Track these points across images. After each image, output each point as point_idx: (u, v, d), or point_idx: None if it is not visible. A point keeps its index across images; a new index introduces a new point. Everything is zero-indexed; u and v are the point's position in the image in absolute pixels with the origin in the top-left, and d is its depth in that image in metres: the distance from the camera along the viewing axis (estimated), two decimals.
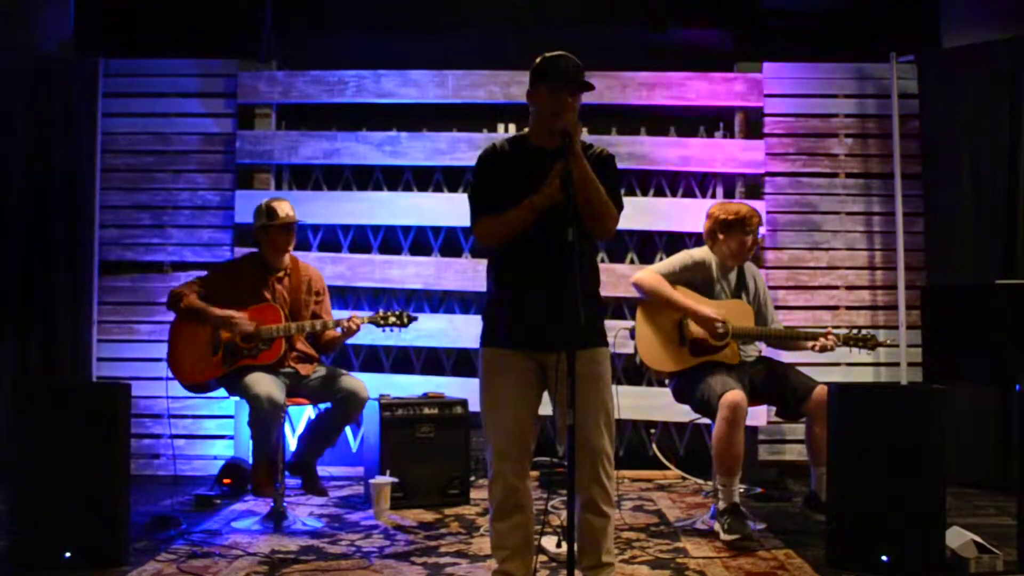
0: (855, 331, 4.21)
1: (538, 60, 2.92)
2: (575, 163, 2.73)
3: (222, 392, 4.35)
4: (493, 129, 5.79)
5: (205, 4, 5.77)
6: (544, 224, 2.81)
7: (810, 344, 4.18)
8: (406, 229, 5.78)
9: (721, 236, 4.19)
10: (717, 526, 3.93)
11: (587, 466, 2.85)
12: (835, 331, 4.18)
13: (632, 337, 4.19)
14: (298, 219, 4.43)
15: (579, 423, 2.77)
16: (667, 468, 5.44)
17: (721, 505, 3.94)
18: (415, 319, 4.45)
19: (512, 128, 5.74)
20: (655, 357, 4.13)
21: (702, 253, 4.25)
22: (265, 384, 4.08)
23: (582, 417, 2.79)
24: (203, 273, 4.56)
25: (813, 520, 4.12)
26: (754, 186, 5.70)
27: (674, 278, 4.16)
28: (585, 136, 2.98)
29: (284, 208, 4.37)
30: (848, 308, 5.69)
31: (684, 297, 4.10)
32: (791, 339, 4.26)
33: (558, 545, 3.61)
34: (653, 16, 5.69)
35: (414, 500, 4.60)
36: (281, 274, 4.43)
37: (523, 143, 2.99)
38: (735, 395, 3.86)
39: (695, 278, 4.19)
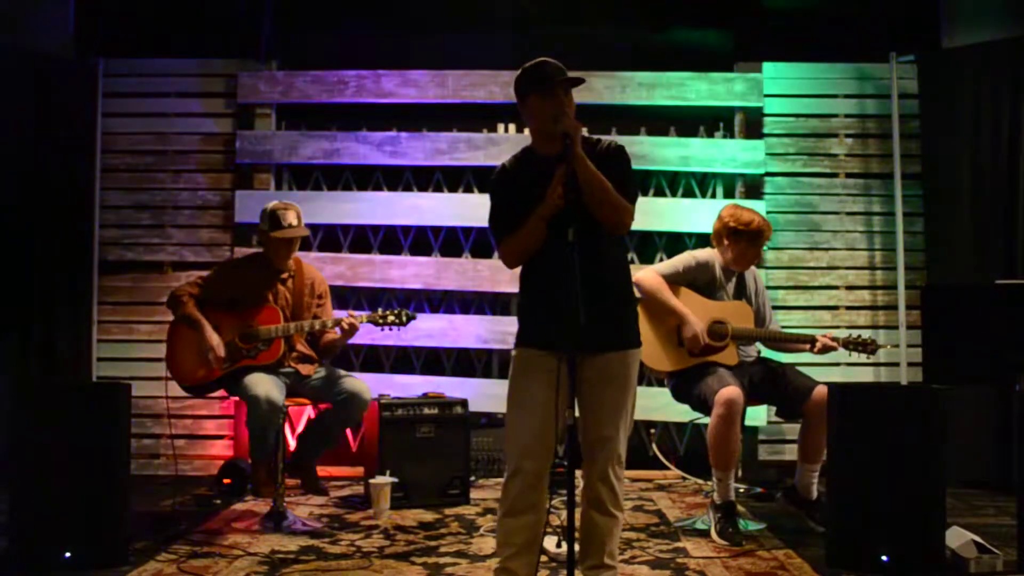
0: (856, 335, 4.21)
1: (519, 72, 2.92)
2: (578, 165, 2.73)
3: (222, 392, 4.35)
4: (493, 129, 5.78)
5: (205, 4, 5.76)
6: (559, 227, 2.80)
7: (809, 347, 4.18)
8: (406, 229, 5.78)
9: (726, 242, 4.19)
10: (711, 519, 3.95)
11: (598, 465, 2.86)
12: (835, 335, 4.19)
13: None
14: (303, 233, 4.39)
15: (597, 422, 2.84)
16: (667, 468, 5.44)
17: (716, 499, 3.96)
18: (414, 318, 4.44)
19: (512, 128, 5.74)
20: (654, 356, 4.13)
21: (706, 255, 4.25)
22: (264, 385, 4.08)
23: (602, 416, 2.84)
24: (206, 272, 4.55)
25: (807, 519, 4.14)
26: (754, 186, 5.70)
27: (676, 278, 4.16)
28: (587, 134, 2.97)
29: (289, 217, 4.32)
30: (848, 308, 5.69)
31: (680, 304, 4.09)
32: (790, 342, 4.26)
33: (558, 545, 3.61)
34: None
35: (414, 500, 4.60)
36: (285, 276, 4.43)
37: (529, 155, 2.99)
38: (731, 391, 3.86)
39: (697, 279, 4.19)
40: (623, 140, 5.61)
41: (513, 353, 2.98)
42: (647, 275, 4.16)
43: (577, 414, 2.98)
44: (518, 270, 3.02)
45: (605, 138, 3.03)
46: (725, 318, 4.11)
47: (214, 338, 4.20)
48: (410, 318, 4.40)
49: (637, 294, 4.19)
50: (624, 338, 2.95)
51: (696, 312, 4.08)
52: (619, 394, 2.90)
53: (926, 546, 3.38)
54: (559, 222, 2.75)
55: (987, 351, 3.51)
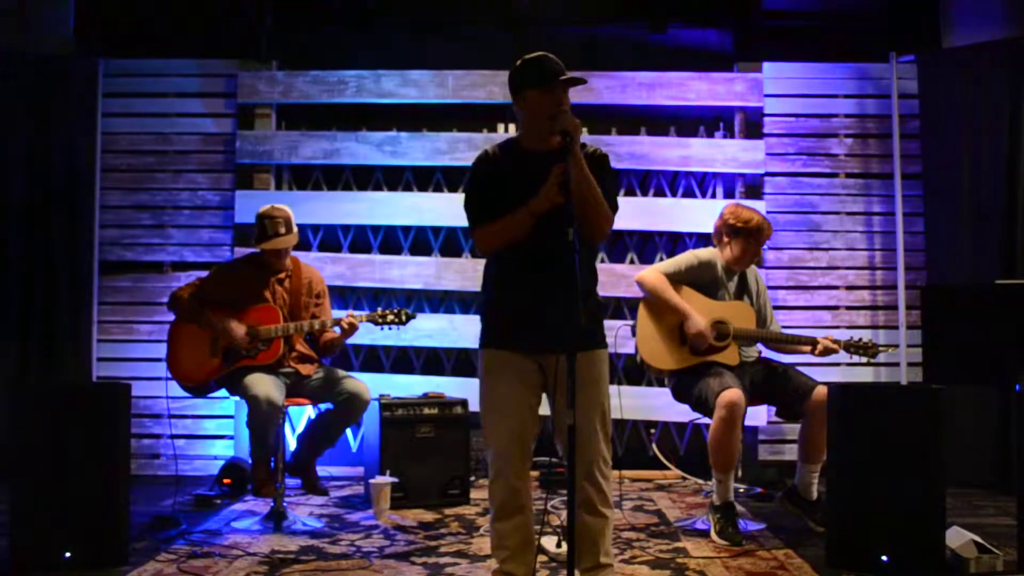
0: (857, 339, 4.22)
1: (518, 64, 2.89)
2: (575, 164, 2.72)
3: (222, 392, 4.35)
4: (493, 129, 5.79)
5: (205, 4, 5.76)
6: (541, 225, 2.80)
7: (810, 349, 4.18)
8: (406, 229, 5.78)
9: (726, 240, 4.20)
10: (711, 520, 3.95)
11: (583, 466, 2.85)
12: (836, 338, 4.19)
13: (633, 335, 4.20)
14: (290, 243, 4.37)
15: (578, 424, 2.79)
16: (667, 468, 5.44)
17: (716, 501, 3.96)
18: (414, 317, 4.44)
19: (512, 128, 5.74)
20: (655, 355, 4.13)
21: (708, 254, 4.26)
22: (264, 385, 4.07)
23: (581, 417, 2.80)
24: (204, 273, 4.56)
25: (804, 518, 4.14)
26: (754, 186, 5.70)
27: (678, 278, 4.16)
28: (584, 136, 2.96)
29: (277, 226, 4.29)
30: (848, 308, 5.69)
31: (683, 302, 4.10)
32: (791, 343, 4.26)
33: (558, 545, 3.61)
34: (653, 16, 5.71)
35: (414, 500, 4.60)
36: (282, 275, 4.43)
37: (516, 147, 2.96)
38: (732, 394, 3.86)
39: (699, 278, 4.19)
40: (623, 140, 5.67)
41: (482, 354, 2.97)
42: (650, 274, 4.17)
43: (550, 413, 2.99)
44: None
45: (591, 144, 3.00)
46: (727, 318, 4.11)
47: (227, 321, 4.19)
48: (409, 317, 4.41)
49: (636, 294, 4.21)
50: (594, 338, 2.93)
51: (699, 311, 4.08)
52: (594, 394, 2.88)
53: (926, 546, 3.38)
54: (544, 221, 2.75)
55: (987, 351, 3.51)
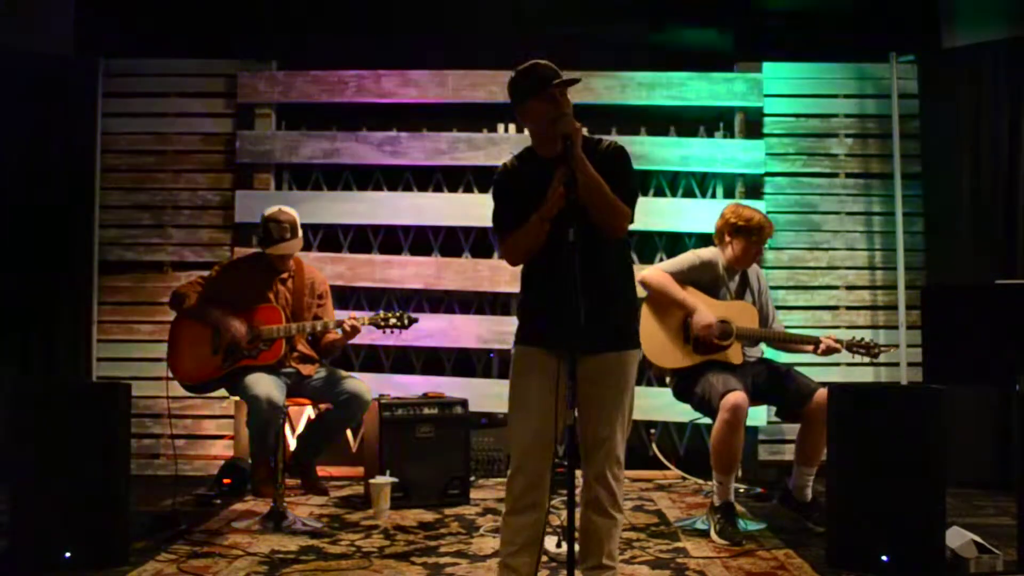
0: (860, 338, 4.22)
1: (512, 77, 2.92)
2: (577, 167, 2.73)
3: (222, 392, 4.36)
4: (493, 129, 5.78)
5: (205, 4, 5.77)
6: (556, 228, 2.80)
7: (812, 348, 4.18)
8: (406, 229, 5.78)
9: (728, 239, 4.20)
10: (710, 521, 3.95)
11: (596, 465, 2.86)
12: (839, 337, 4.19)
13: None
14: (295, 249, 4.36)
15: (595, 422, 2.84)
16: (667, 468, 5.44)
17: (716, 501, 3.96)
18: (415, 320, 4.44)
19: (512, 128, 5.74)
20: (659, 353, 4.14)
21: (710, 254, 4.26)
22: (264, 385, 4.08)
23: (599, 417, 2.84)
24: (205, 273, 4.56)
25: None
26: (754, 186, 5.70)
27: (681, 277, 4.17)
28: (587, 135, 2.97)
29: (283, 230, 4.30)
30: (848, 308, 5.69)
31: (689, 296, 4.11)
32: (794, 342, 4.26)
33: (558, 545, 3.61)
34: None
35: (414, 500, 4.60)
36: (285, 275, 4.44)
37: (531, 156, 3.00)
38: (737, 396, 3.86)
39: (702, 278, 4.20)
40: (623, 140, 5.61)
41: (513, 352, 2.99)
42: (653, 272, 4.18)
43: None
44: (519, 269, 3.03)
45: (606, 138, 3.03)
46: (730, 317, 4.11)
47: (229, 318, 4.19)
48: (411, 321, 4.40)
49: (643, 292, 4.21)
50: (622, 339, 2.95)
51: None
52: (617, 395, 2.90)
53: (926, 546, 3.38)
54: (560, 222, 2.76)
55: (987, 351, 3.52)
